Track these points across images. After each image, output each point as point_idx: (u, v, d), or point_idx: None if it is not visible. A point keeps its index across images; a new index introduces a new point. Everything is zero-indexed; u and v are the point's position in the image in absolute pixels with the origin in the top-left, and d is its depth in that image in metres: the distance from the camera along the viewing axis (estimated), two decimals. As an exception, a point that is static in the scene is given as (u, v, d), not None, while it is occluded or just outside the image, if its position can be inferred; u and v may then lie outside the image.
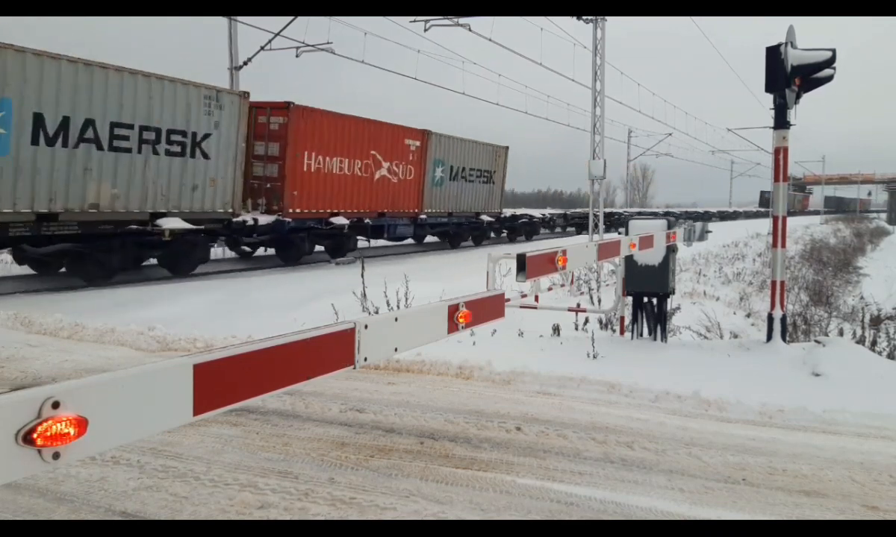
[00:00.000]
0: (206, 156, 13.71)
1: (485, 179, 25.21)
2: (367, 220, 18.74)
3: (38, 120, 10.69)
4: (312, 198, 16.59)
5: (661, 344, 6.67)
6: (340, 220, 17.58)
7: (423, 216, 21.78)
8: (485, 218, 25.86)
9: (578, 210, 39.93)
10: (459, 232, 25.13)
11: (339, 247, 18.58)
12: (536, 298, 7.11)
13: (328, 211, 17.18)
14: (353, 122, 17.89)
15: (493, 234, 28.06)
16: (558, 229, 36.45)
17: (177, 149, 13.10)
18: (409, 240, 24.40)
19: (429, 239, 25.76)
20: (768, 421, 4.56)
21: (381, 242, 22.29)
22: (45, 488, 3.35)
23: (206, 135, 13.66)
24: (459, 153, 23.13)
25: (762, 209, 65.34)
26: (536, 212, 33.48)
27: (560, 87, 27.65)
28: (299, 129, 15.94)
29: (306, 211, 16.51)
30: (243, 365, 1.83)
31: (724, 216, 63.36)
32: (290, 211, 15.86)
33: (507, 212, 30.07)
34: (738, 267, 16.93)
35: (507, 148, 26.39)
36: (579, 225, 36.31)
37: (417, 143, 20.80)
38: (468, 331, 4.79)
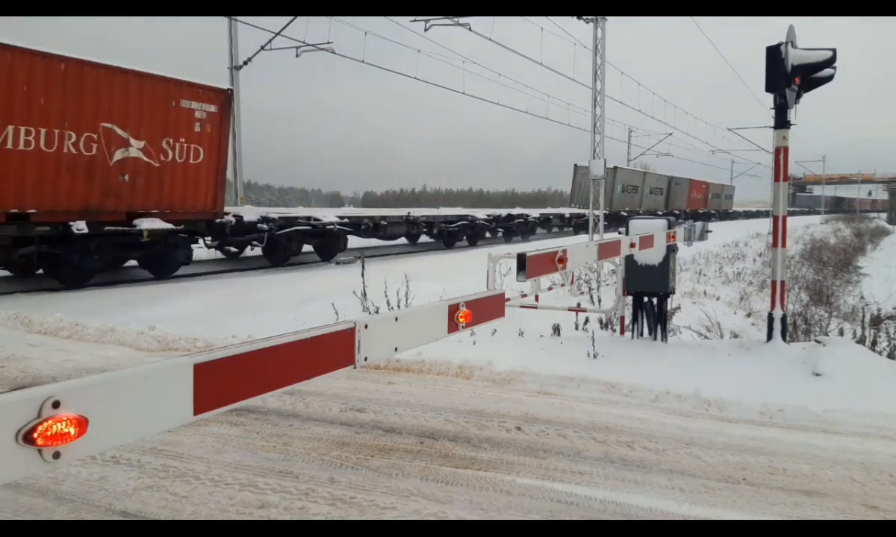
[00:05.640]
0: None
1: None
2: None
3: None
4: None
5: (662, 343, 6.67)
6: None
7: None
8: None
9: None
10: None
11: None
12: (536, 298, 7.10)
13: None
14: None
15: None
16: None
17: None
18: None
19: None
20: (768, 421, 4.56)
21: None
22: (45, 488, 3.35)
23: None
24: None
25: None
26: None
27: (560, 86, 27.66)
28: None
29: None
30: (243, 364, 1.82)
31: (724, 216, 63.25)
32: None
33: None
34: (738, 266, 16.92)
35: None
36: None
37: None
38: (468, 331, 4.79)
